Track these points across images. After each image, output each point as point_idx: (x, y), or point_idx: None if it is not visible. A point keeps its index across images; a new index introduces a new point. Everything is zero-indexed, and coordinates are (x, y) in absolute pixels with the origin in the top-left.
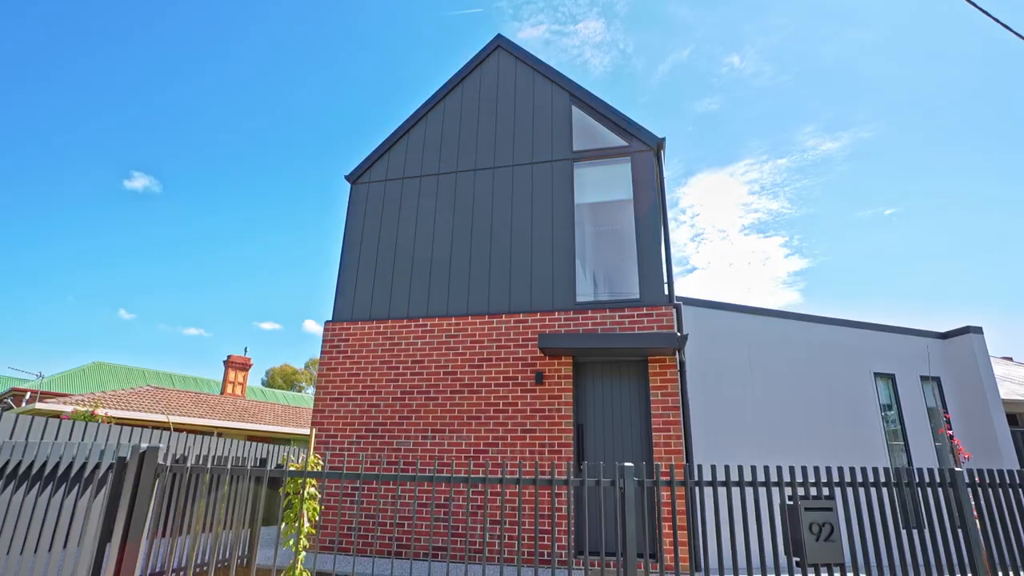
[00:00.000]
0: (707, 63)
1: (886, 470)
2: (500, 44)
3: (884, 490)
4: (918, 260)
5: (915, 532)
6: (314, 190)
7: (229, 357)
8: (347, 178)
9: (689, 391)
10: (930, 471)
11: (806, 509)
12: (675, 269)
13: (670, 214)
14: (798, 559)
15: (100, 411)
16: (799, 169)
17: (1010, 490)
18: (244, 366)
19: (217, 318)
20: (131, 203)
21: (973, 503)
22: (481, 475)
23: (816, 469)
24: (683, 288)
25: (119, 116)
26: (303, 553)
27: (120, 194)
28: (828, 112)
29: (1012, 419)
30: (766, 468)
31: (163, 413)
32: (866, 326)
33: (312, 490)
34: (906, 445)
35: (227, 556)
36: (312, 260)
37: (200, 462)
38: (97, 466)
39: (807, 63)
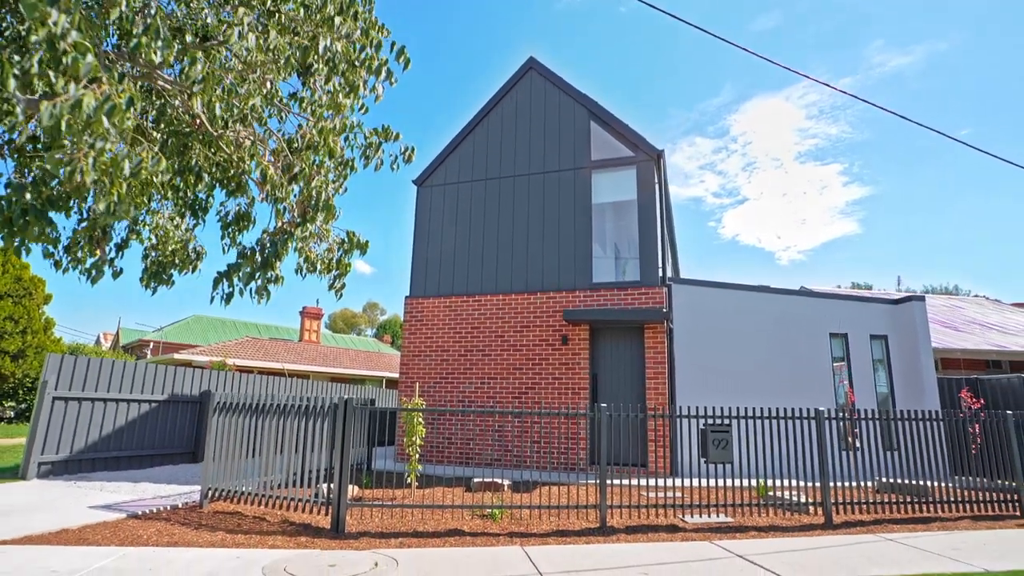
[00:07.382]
0: None
1: (769, 409)
2: (532, 66)
3: (766, 422)
4: (999, 184)
5: (794, 449)
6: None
7: (304, 308)
8: (414, 182)
9: (682, 350)
10: (795, 410)
11: (711, 431)
12: (725, 200)
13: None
14: (704, 459)
15: (230, 361)
16: (864, 89)
17: (864, 423)
18: (317, 316)
19: None
20: None
21: (840, 431)
22: (524, 410)
23: (721, 408)
24: (732, 221)
25: None
26: (417, 455)
27: None
28: (900, 23)
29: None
30: (689, 407)
31: (265, 360)
32: (827, 295)
33: (420, 418)
34: (851, 388)
35: (361, 461)
36: (354, 198)
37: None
38: (322, 406)
39: None
